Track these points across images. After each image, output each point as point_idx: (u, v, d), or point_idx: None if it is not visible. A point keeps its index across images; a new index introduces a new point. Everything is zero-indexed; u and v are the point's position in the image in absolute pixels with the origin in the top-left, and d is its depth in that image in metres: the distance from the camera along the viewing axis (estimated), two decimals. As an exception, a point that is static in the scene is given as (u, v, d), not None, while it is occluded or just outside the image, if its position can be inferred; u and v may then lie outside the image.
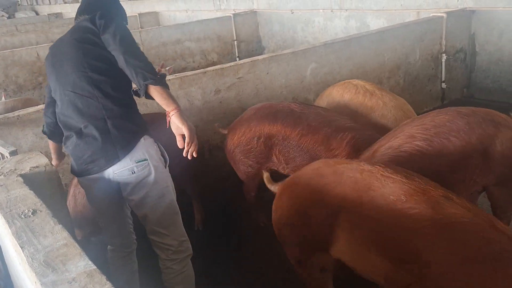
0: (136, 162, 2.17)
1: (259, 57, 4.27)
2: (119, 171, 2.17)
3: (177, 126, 2.05)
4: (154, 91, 2.05)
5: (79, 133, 2.19)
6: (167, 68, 6.23)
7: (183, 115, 2.05)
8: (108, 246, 2.56)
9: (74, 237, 1.57)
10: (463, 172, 2.50)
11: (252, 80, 4.14)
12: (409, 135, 2.55)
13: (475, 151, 2.46)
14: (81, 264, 1.43)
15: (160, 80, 2.05)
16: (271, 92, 4.27)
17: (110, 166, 2.16)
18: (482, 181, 2.57)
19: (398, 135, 2.60)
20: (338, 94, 3.62)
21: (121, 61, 2.07)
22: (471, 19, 5.84)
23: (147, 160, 2.19)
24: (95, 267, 1.42)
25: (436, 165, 2.45)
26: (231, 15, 9.12)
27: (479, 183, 2.59)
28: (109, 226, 2.48)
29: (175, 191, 2.40)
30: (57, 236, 1.56)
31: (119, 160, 2.15)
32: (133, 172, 2.17)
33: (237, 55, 9.14)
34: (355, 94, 3.51)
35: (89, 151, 2.17)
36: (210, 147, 4.07)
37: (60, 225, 1.63)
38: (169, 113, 2.05)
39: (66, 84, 2.22)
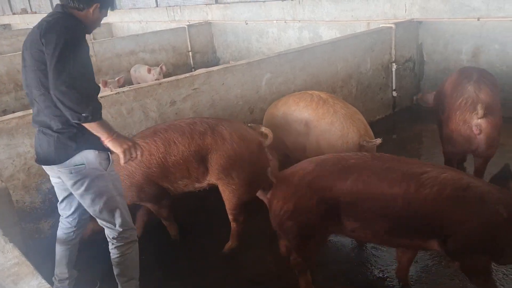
0: (74, 166, 2.41)
1: (214, 68, 4.28)
2: (61, 169, 2.43)
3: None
4: (86, 125, 2.27)
5: (38, 130, 2.47)
6: (117, 79, 6.15)
7: (116, 141, 2.32)
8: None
9: (27, 255, 1.52)
10: (185, 171, 3.15)
11: (207, 91, 4.14)
12: (154, 130, 3.19)
13: (193, 157, 3.11)
14: (33, 283, 1.39)
15: (87, 119, 2.21)
16: (227, 102, 4.28)
17: (50, 165, 2.43)
18: (205, 179, 3.21)
19: (149, 129, 3.28)
20: (294, 103, 3.70)
21: (52, 96, 2.21)
22: (418, 29, 6.10)
23: (84, 164, 2.42)
24: (49, 285, 1.38)
25: (165, 159, 3.10)
26: (186, 26, 9.11)
27: (204, 180, 3.22)
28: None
29: (119, 190, 2.62)
30: (8, 255, 1.51)
31: (56, 163, 2.41)
32: (71, 173, 2.43)
33: (192, 66, 9.13)
34: (310, 102, 3.59)
35: (39, 146, 2.47)
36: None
37: (11, 244, 1.58)
38: (104, 142, 2.33)
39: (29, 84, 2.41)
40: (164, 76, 6.69)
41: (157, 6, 11.38)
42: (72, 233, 2.82)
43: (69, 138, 2.37)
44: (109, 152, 2.46)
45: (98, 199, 2.51)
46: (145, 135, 3.18)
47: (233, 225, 3.35)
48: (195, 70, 5.05)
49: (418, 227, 2.29)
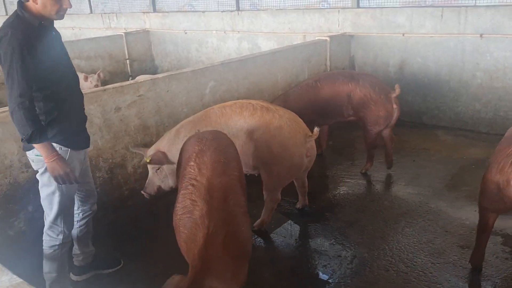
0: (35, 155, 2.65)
1: (160, 75, 4.34)
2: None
3: None
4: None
5: None
6: (97, 73, 6.64)
7: (51, 165, 2.51)
8: None
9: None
10: None
11: (153, 98, 4.19)
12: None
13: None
14: (5, 279, 1.42)
15: (26, 140, 2.39)
16: (172, 109, 4.35)
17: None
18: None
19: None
20: (236, 113, 3.78)
21: None
22: (350, 43, 6.50)
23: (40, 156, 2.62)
24: (21, 280, 1.42)
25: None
26: (123, 33, 9.02)
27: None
28: None
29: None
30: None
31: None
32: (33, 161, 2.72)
33: (130, 74, 9.03)
34: (253, 110, 3.74)
35: None
36: (111, 165, 4.02)
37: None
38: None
39: None
40: (102, 84, 6.61)
41: (91, 12, 11.15)
42: (77, 214, 3.10)
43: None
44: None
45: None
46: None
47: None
48: (133, 78, 5.09)
49: None
